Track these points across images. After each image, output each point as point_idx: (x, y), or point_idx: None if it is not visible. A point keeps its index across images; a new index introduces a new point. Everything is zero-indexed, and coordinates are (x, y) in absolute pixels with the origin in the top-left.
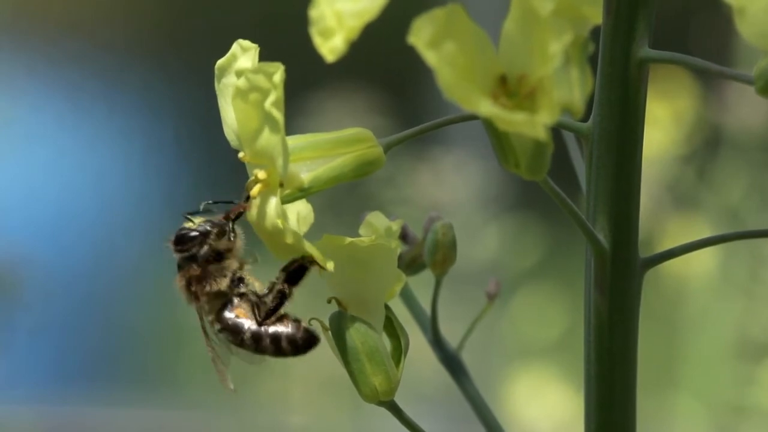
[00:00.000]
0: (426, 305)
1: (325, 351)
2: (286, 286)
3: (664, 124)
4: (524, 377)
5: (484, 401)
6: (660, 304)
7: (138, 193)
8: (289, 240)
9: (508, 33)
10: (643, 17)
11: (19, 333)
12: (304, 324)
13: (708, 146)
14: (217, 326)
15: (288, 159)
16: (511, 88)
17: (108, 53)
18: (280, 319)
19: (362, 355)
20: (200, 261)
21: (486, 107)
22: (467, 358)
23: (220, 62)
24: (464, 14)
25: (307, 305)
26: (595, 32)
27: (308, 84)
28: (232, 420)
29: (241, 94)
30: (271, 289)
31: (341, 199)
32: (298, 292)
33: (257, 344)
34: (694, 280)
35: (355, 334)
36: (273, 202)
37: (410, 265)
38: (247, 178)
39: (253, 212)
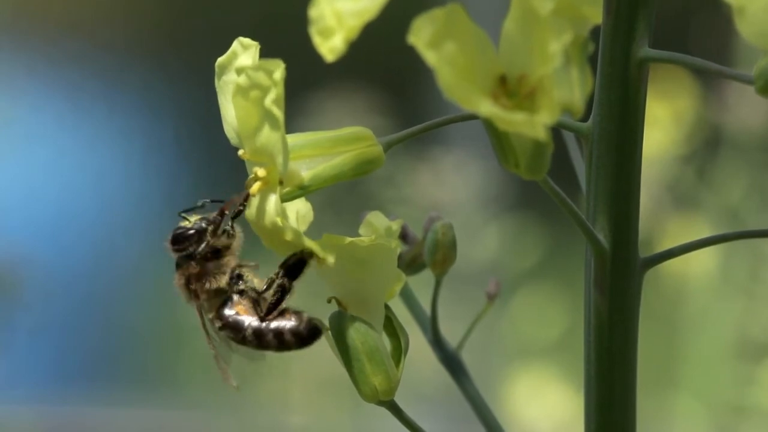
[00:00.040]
0: (426, 305)
1: (325, 351)
2: (285, 280)
3: (664, 124)
4: (524, 377)
5: (484, 401)
6: (660, 304)
7: (138, 193)
8: (289, 237)
9: (508, 33)
10: (643, 17)
11: (19, 333)
12: (306, 314)
13: (708, 146)
14: (218, 324)
15: (288, 156)
16: (511, 88)
17: (108, 53)
18: (282, 313)
19: (362, 355)
20: (198, 258)
21: (486, 107)
22: (467, 358)
23: (220, 60)
24: (464, 14)
25: (307, 305)
26: (595, 32)
27: (308, 84)
28: (232, 420)
29: (241, 91)
30: (270, 285)
31: (341, 198)
32: (298, 293)
33: (259, 340)
34: (694, 280)
35: (355, 333)
36: (272, 200)
37: (410, 264)
38: (247, 178)
39: (252, 210)
